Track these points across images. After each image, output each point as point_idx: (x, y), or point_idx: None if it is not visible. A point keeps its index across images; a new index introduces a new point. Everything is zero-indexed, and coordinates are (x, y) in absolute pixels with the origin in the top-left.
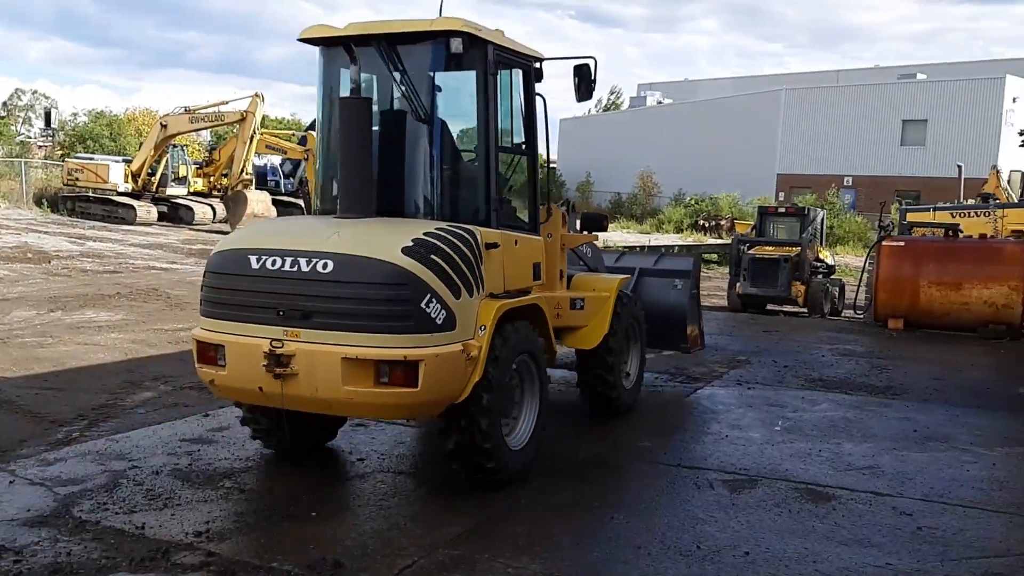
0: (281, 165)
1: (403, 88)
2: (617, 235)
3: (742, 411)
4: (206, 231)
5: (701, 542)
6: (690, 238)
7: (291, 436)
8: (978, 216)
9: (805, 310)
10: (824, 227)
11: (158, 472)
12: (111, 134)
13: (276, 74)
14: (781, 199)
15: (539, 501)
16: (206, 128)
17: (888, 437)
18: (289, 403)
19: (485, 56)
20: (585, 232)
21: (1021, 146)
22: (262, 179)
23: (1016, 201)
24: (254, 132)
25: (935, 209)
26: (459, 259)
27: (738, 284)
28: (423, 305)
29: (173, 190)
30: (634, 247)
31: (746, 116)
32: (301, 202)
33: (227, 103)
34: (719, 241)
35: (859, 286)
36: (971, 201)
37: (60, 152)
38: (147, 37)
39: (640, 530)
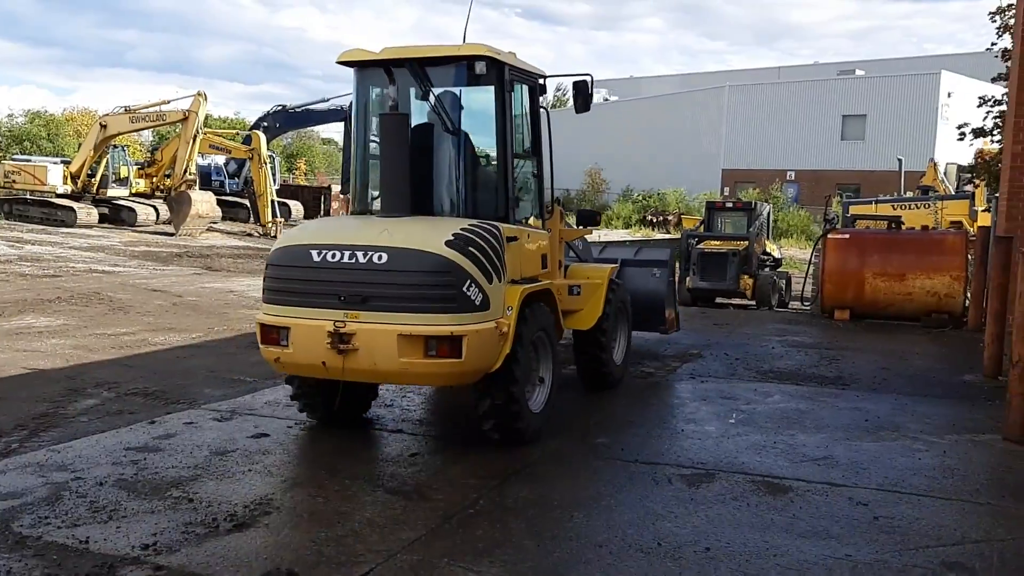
0: (226, 165)
1: (433, 103)
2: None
3: (696, 405)
4: (149, 233)
5: (662, 539)
6: (638, 234)
7: (338, 407)
8: (918, 208)
9: (754, 303)
10: (770, 221)
11: (102, 483)
12: (48, 135)
13: (220, 73)
14: (726, 194)
15: (498, 502)
16: (147, 128)
17: (840, 427)
18: (349, 375)
19: (502, 75)
20: (580, 227)
21: (960, 140)
22: (206, 179)
23: (953, 193)
24: (197, 131)
25: (877, 202)
26: (489, 250)
27: (688, 278)
28: (464, 289)
29: (114, 191)
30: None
31: (691, 112)
32: (247, 202)
33: (169, 102)
34: (667, 236)
35: (805, 278)
36: (910, 194)
37: None
38: (85, 36)
39: (600, 528)
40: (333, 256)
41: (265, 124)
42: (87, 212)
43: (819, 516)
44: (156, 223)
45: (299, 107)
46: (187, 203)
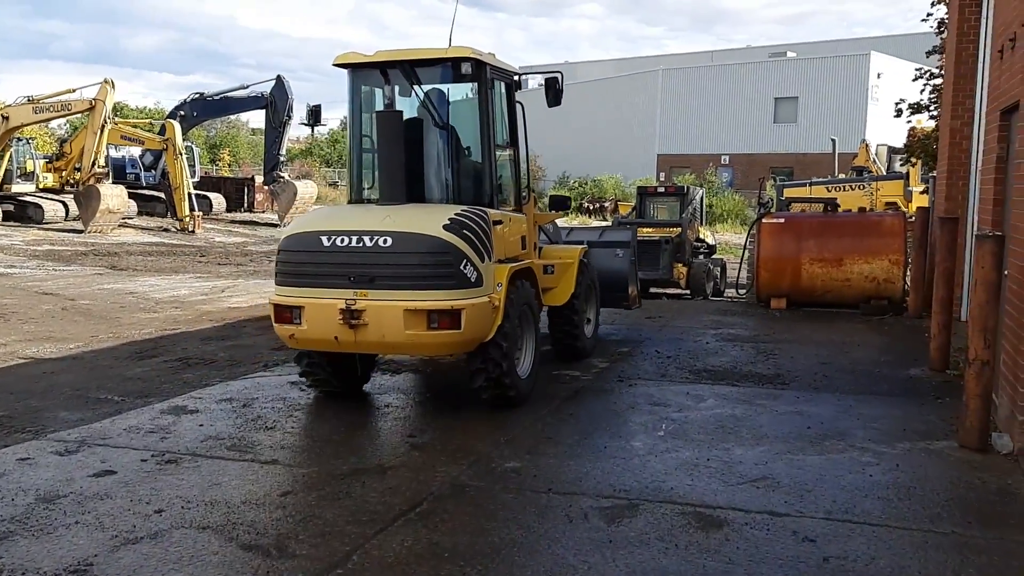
0: (141, 157)
1: (423, 101)
2: None
3: (623, 414)
4: (56, 230)
5: None
6: (575, 221)
7: (337, 377)
8: (853, 190)
9: (688, 292)
10: (704, 206)
11: None
12: None
13: (149, 63)
14: (662, 179)
15: (376, 557)
16: (52, 118)
17: (780, 437)
18: (360, 347)
19: (484, 74)
20: (553, 211)
21: (896, 116)
22: (121, 172)
23: (885, 174)
24: (105, 121)
25: (811, 184)
26: (481, 232)
27: None
28: (461, 267)
29: (19, 187)
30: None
31: (626, 98)
32: (163, 195)
33: (75, 91)
34: (604, 223)
35: (740, 265)
36: (843, 176)
37: None
38: (8, 28)
39: None
40: (342, 241)
41: (182, 113)
42: None
43: (759, 559)
44: (65, 220)
45: (217, 95)
46: (96, 198)
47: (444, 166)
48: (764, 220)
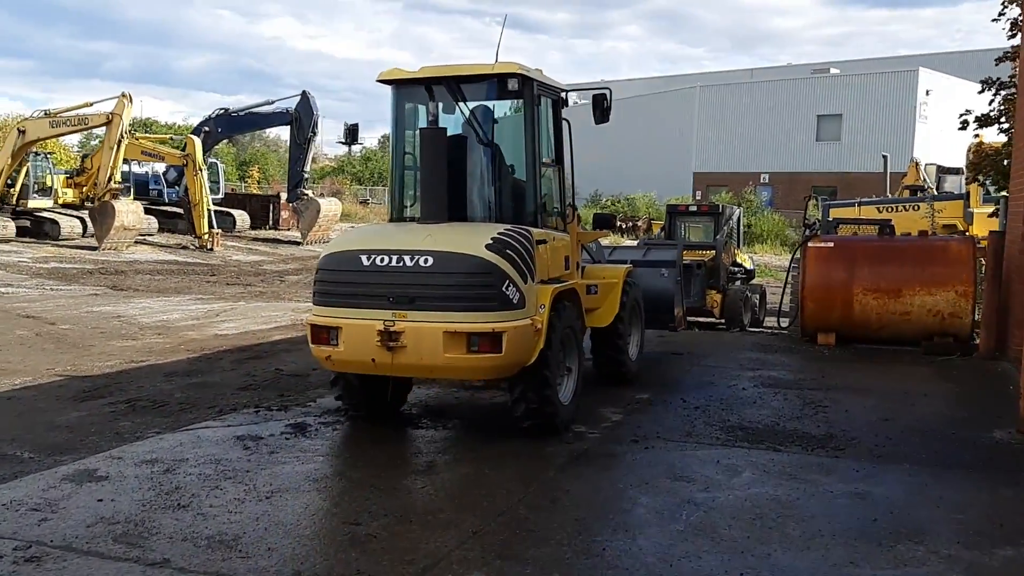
0: (165, 173)
1: (468, 118)
2: None
3: (632, 494)
4: (71, 247)
5: None
6: (607, 240)
7: (366, 401)
8: (908, 211)
9: (723, 322)
10: (741, 227)
11: None
12: None
13: (196, 83)
14: (698, 197)
15: None
16: (69, 132)
17: (839, 536)
18: (398, 370)
19: (532, 91)
20: (596, 230)
21: (961, 129)
22: (143, 188)
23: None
24: (122, 136)
25: (860, 204)
26: (524, 252)
27: None
28: (504, 289)
29: (36, 202)
30: None
31: (661, 115)
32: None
33: (92, 104)
34: (636, 242)
35: (783, 292)
36: (893, 196)
37: None
38: (59, 48)
39: None
40: (382, 260)
41: (206, 129)
42: (3, 225)
43: None
44: (83, 236)
45: (242, 110)
46: (111, 214)
47: (487, 184)
48: (810, 244)
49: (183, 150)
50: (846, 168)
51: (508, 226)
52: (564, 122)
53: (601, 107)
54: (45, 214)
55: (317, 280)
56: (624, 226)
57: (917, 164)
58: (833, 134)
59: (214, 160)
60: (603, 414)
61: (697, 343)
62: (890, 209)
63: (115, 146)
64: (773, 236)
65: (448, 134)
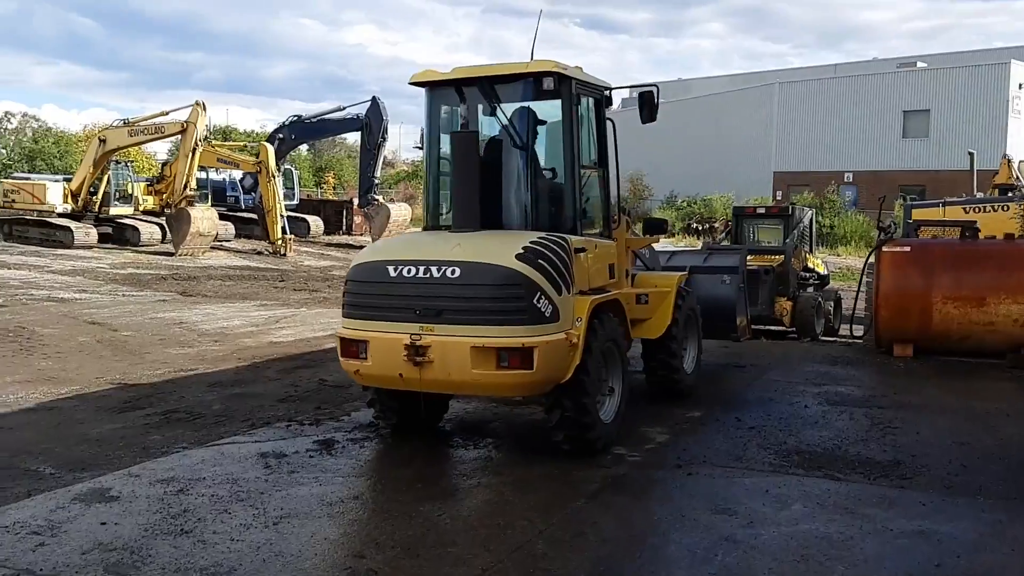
0: (242, 180)
1: (501, 120)
2: None
3: (665, 529)
4: (150, 253)
5: None
6: (682, 242)
7: (402, 418)
8: (997, 211)
9: (793, 331)
10: (814, 229)
11: None
12: (59, 152)
13: (282, 91)
14: (778, 198)
15: None
16: (147, 141)
17: None
18: (426, 386)
19: (570, 90)
20: (647, 236)
21: None
22: (221, 195)
23: None
24: (196, 144)
25: (945, 204)
26: (558, 262)
27: None
28: (535, 301)
29: (118, 209)
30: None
31: (739, 113)
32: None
33: (167, 113)
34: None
35: (855, 300)
36: (980, 195)
37: None
38: (152, 59)
39: None
40: (409, 271)
41: (280, 136)
42: (85, 232)
43: None
44: (162, 242)
45: (314, 117)
46: (186, 221)
47: (523, 189)
48: (885, 248)
49: (258, 157)
50: (935, 166)
51: (543, 234)
52: (608, 122)
53: (649, 105)
54: (126, 221)
55: (346, 292)
56: (700, 228)
57: (1009, 161)
58: (920, 131)
59: (289, 166)
60: (648, 434)
61: (763, 354)
62: (977, 210)
63: (190, 154)
64: (857, 238)
65: (486, 137)
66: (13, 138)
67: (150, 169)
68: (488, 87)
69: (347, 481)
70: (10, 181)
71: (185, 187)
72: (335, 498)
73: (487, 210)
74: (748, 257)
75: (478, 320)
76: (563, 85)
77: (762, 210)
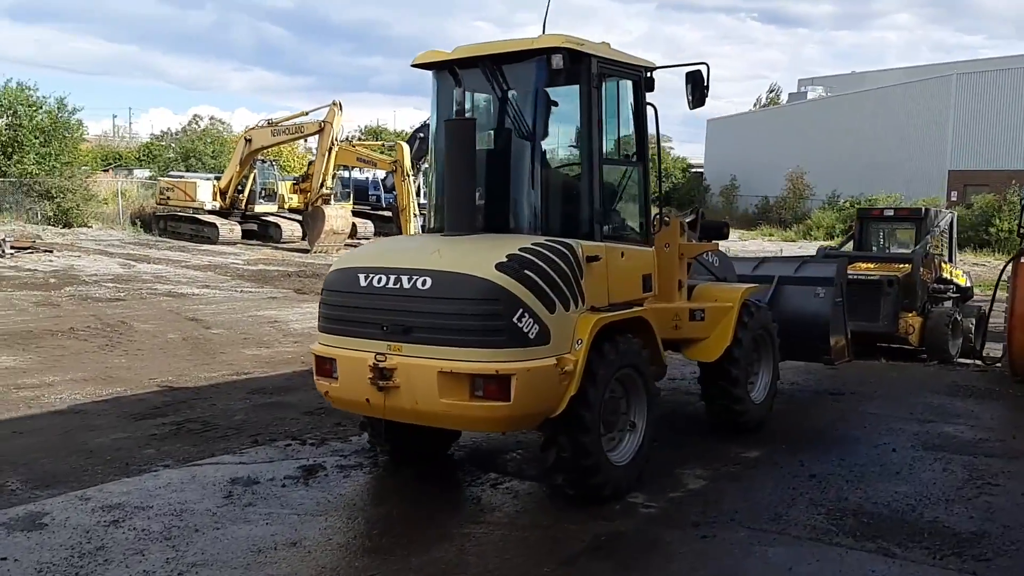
0: (384, 179)
1: (508, 106)
2: (755, 244)
3: None
4: (288, 250)
5: None
6: (830, 244)
7: (396, 445)
8: None
9: (923, 351)
10: (955, 234)
11: None
12: (214, 152)
13: None
14: (953, 198)
15: None
16: (288, 141)
17: None
18: (391, 414)
19: (588, 70)
20: (704, 241)
21: None
22: (362, 193)
23: None
24: (332, 143)
25: None
26: (554, 273)
27: None
28: (515, 320)
29: (262, 207)
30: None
31: (913, 107)
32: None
33: (307, 114)
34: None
35: (986, 319)
36: None
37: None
38: (335, 63)
39: None
40: (379, 280)
41: (421, 135)
42: (229, 228)
43: None
44: (303, 239)
45: None
46: (321, 219)
47: (529, 187)
48: (1023, 259)
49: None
50: None
51: (541, 239)
52: (649, 108)
53: (700, 88)
54: (270, 218)
55: (321, 302)
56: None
57: None
58: None
59: (428, 166)
60: (682, 478)
61: (872, 379)
62: None
63: (327, 153)
64: None
65: (493, 126)
66: (181, 139)
67: (302, 168)
68: (492, 68)
69: (300, 521)
70: (165, 179)
71: (321, 186)
72: (270, 543)
73: (492, 211)
74: (870, 265)
75: (449, 340)
76: (579, 64)
77: (890, 212)
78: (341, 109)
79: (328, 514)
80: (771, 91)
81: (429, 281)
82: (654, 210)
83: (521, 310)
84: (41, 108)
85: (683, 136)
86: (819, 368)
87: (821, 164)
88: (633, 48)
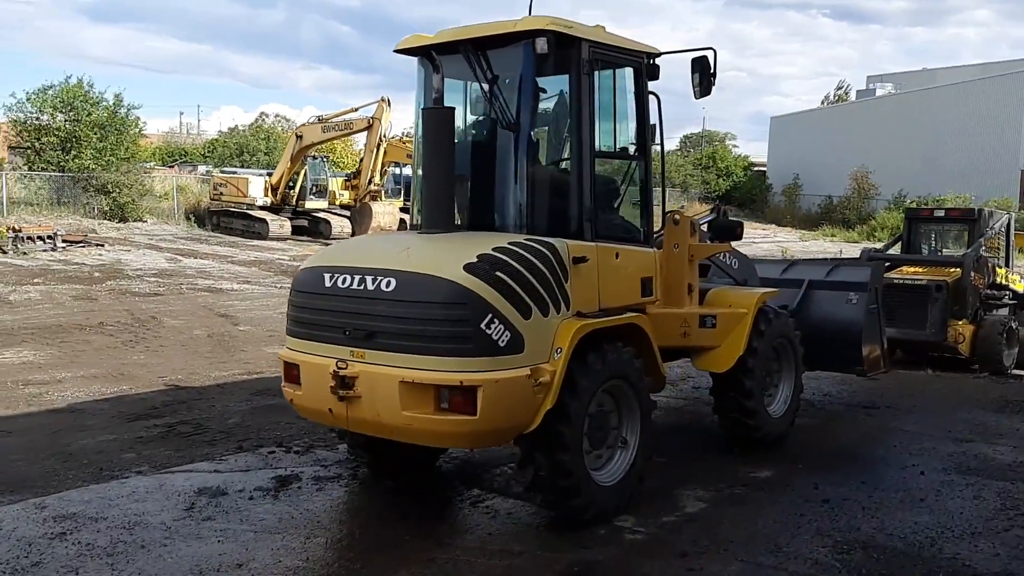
0: None
1: (493, 94)
2: (816, 244)
3: None
4: None
5: None
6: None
7: (376, 457)
8: None
9: (974, 361)
10: (1011, 238)
11: None
12: (267, 148)
13: None
14: None
15: None
16: (337, 137)
17: None
18: (354, 426)
19: (579, 55)
20: (716, 242)
21: None
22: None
23: None
24: (381, 140)
25: None
26: (531, 275)
27: None
28: (483, 326)
29: (312, 203)
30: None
31: (984, 105)
32: None
33: (356, 110)
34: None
35: None
36: None
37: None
38: (399, 61)
39: None
40: (343, 281)
41: None
42: (279, 224)
43: None
44: (353, 235)
45: None
46: (368, 215)
47: (513, 182)
48: None
49: None
50: None
51: (519, 238)
52: (652, 97)
53: (706, 74)
54: (320, 214)
55: (288, 303)
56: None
57: None
58: None
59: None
60: (678, 499)
61: (913, 392)
62: None
63: (375, 149)
64: None
65: (479, 117)
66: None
67: (355, 164)
68: (475, 53)
69: (254, 539)
70: (219, 175)
71: (370, 182)
72: (215, 564)
73: (476, 208)
74: (917, 269)
75: (413, 348)
76: (566, 49)
77: (941, 212)
78: (390, 105)
79: (287, 532)
80: (839, 88)
81: (393, 282)
82: (660, 208)
83: (490, 315)
84: (99, 104)
85: (747, 134)
86: (855, 379)
87: (887, 163)
88: (699, 45)
